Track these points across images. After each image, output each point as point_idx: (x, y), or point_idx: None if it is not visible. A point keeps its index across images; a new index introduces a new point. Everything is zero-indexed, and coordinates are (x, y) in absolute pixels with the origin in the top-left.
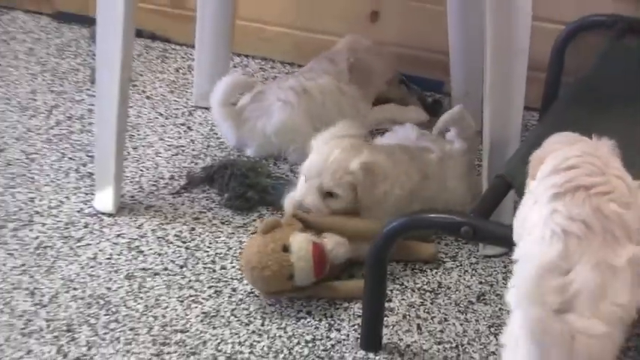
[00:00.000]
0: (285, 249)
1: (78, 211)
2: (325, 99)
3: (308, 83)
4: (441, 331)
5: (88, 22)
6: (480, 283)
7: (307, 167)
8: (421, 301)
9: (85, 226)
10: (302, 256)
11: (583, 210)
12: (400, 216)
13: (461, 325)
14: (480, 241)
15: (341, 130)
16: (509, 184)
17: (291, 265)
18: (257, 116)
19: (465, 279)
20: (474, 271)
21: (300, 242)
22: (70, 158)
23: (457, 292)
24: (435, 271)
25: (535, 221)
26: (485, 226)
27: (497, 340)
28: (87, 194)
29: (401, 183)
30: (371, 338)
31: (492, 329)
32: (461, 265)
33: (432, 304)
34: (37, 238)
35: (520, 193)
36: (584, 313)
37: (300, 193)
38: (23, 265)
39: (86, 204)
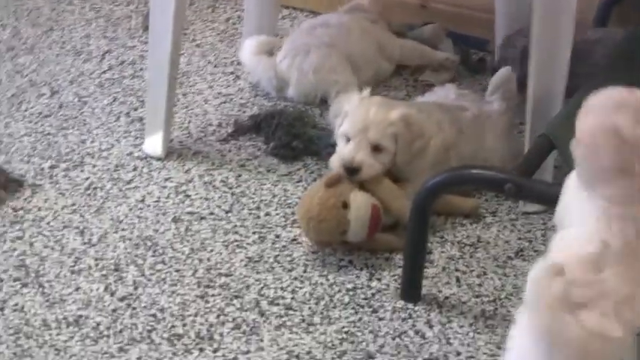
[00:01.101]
0: (345, 205)
1: (128, 154)
2: (355, 37)
3: (338, 23)
4: (479, 285)
5: None
6: (519, 239)
7: (349, 127)
8: (460, 254)
9: (134, 169)
10: (360, 216)
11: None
12: (444, 171)
13: (499, 279)
14: (523, 199)
15: (364, 93)
16: (552, 144)
17: (348, 222)
18: (294, 55)
19: (504, 234)
20: (513, 227)
21: (359, 202)
22: (121, 102)
23: (496, 247)
24: (475, 225)
25: (582, 211)
26: (529, 184)
27: None
28: (136, 138)
29: (435, 136)
30: (410, 289)
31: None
32: (500, 221)
33: (471, 257)
34: (87, 178)
35: (563, 154)
36: (608, 314)
37: (348, 152)
38: (74, 204)
39: (136, 147)
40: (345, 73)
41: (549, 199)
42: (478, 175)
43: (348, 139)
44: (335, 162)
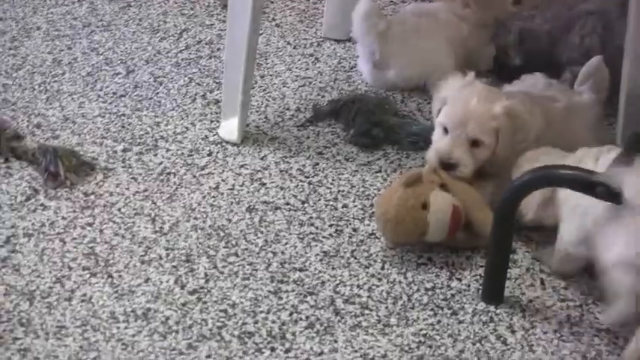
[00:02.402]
0: (424, 206)
1: (202, 139)
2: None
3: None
4: (565, 288)
5: None
6: None
7: (448, 118)
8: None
9: (209, 154)
10: (440, 218)
11: None
12: (532, 170)
13: (586, 284)
14: (616, 203)
15: (467, 77)
16: None
17: (427, 223)
18: (403, 38)
19: None
20: None
21: (440, 203)
22: (198, 84)
23: None
24: None
25: None
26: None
27: None
28: (212, 122)
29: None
30: (493, 290)
31: None
32: None
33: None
34: (160, 163)
35: None
36: None
37: (445, 145)
38: (146, 190)
39: (211, 131)
40: (451, 62)
41: None
42: (568, 176)
43: (446, 130)
44: (431, 155)
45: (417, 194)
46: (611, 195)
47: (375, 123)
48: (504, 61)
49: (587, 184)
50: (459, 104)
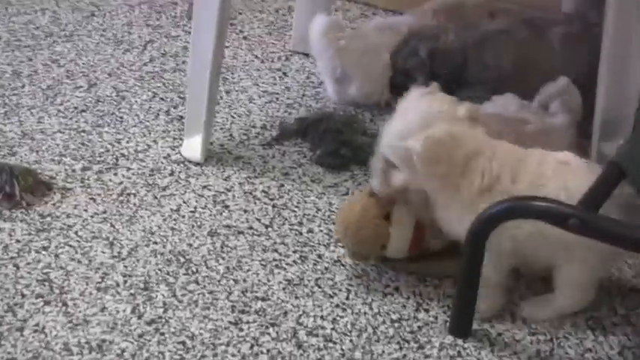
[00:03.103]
0: (387, 218)
1: (165, 157)
2: None
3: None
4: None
5: None
6: None
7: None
8: (515, 285)
9: (171, 174)
10: (401, 230)
11: None
12: (502, 201)
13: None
14: (589, 237)
15: (433, 89)
16: (623, 173)
17: (388, 235)
18: (363, 52)
19: None
20: None
21: (402, 215)
22: (161, 98)
23: None
24: None
25: None
26: (596, 220)
27: (595, 336)
28: (175, 139)
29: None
30: (461, 323)
31: (590, 322)
32: None
33: (526, 289)
34: (120, 183)
35: (636, 184)
36: None
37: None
38: (105, 212)
39: (174, 150)
40: None
41: (619, 239)
42: (539, 208)
43: None
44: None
45: (381, 204)
46: (585, 227)
47: (343, 142)
48: (404, 82)
49: (559, 216)
50: (393, 119)
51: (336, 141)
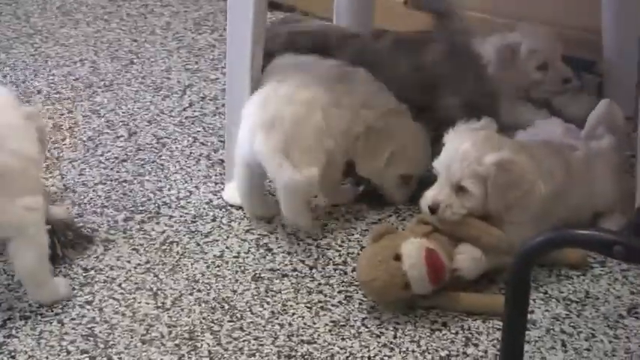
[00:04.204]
0: (398, 257)
1: (207, 203)
2: None
3: None
4: (588, 350)
5: None
6: (632, 293)
7: (438, 161)
8: (566, 313)
9: (213, 220)
10: (414, 263)
11: None
12: (543, 232)
13: (610, 342)
14: (635, 263)
15: (477, 123)
16: None
17: (404, 274)
18: None
19: (615, 288)
20: (624, 279)
21: (410, 249)
22: (202, 143)
23: (606, 304)
24: (582, 278)
25: None
26: None
27: None
28: (217, 184)
29: (542, 186)
30: (511, 356)
31: None
32: (610, 272)
33: (578, 316)
34: (163, 232)
35: None
36: None
37: (432, 189)
38: (148, 262)
39: (215, 195)
40: None
41: None
42: (582, 236)
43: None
44: (421, 201)
45: (384, 247)
46: (630, 254)
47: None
48: None
49: (603, 243)
50: (450, 147)
51: None
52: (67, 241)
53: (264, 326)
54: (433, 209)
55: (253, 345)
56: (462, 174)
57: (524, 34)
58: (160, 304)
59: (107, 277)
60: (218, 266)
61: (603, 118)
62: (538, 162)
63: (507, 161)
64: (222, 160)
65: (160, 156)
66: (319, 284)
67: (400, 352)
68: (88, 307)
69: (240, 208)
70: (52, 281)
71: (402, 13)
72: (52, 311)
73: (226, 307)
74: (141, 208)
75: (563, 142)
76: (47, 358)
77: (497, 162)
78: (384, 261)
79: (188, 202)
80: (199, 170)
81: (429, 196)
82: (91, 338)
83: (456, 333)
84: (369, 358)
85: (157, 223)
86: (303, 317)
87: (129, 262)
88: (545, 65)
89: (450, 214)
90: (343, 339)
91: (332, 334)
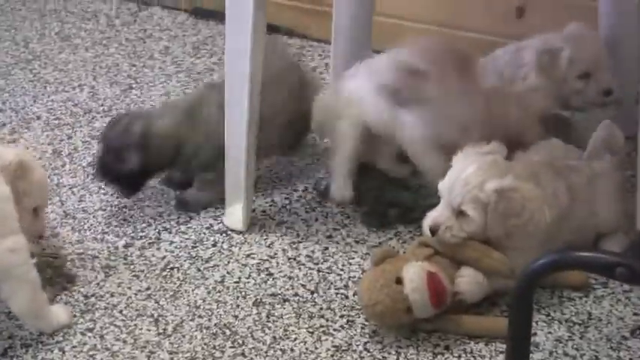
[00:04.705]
0: (399, 281)
1: (207, 228)
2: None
3: None
4: None
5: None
6: (635, 314)
7: (442, 184)
8: (569, 335)
9: (214, 245)
10: (415, 287)
11: None
12: (545, 254)
13: None
14: (638, 285)
15: (486, 147)
16: None
17: (406, 297)
18: None
19: (617, 309)
20: (627, 300)
21: (412, 273)
22: None
23: (609, 325)
24: (585, 299)
25: None
26: None
27: None
28: (217, 208)
29: (547, 214)
30: None
31: None
32: (613, 293)
33: (581, 338)
34: (164, 258)
35: None
36: None
37: (434, 211)
38: (148, 288)
39: (216, 219)
40: None
41: None
42: (584, 258)
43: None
44: (423, 223)
45: (387, 271)
46: (634, 276)
47: (389, 203)
48: (116, 168)
49: (606, 265)
50: (454, 170)
51: (380, 201)
52: (43, 281)
53: (265, 352)
54: (433, 231)
55: None
56: (463, 199)
57: (567, 39)
58: (161, 331)
59: (108, 303)
60: (219, 292)
61: (604, 140)
62: (544, 187)
63: (509, 189)
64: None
65: (160, 181)
66: (321, 309)
67: None
68: (89, 334)
69: (240, 233)
70: (50, 311)
71: (401, 34)
72: (53, 339)
73: (228, 332)
74: (141, 234)
75: (566, 164)
76: None
77: (499, 189)
78: (386, 285)
79: (188, 228)
80: None
81: (431, 217)
82: None
83: (459, 356)
84: None
85: (158, 249)
86: (305, 342)
87: (129, 288)
88: (586, 74)
89: (449, 237)
90: None
91: (334, 359)
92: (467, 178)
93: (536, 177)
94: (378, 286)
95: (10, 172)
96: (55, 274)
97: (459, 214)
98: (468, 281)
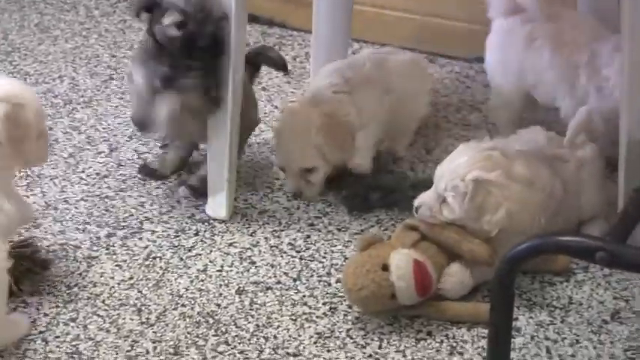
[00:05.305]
0: (386, 267)
1: (189, 217)
2: None
3: None
4: (573, 356)
5: None
6: (615, 298)
7: (437, 169)
8: (550, 319)
9: (196, 234)
10: (402, 275)
11: None
12: (528, 238)
13: (594, 348)
14: (618, 269)
15: (489, 142)
16: None
17: (392, 284)
18: None
19: (597, 293)
20: (607, 285)
21: (399, 260)
22: None
23: (589, 310)
24: (566, 284)
25: None
26: (625, 251)
27: None
28: (199, 199)
29: (541, 220)
30: None
31: (629, 353)
32: (593, 278)
33: (562, 322)
34: (146, 247)
35: None
36: None
37: (424, 193)
38: (131, 278)
39: (198, 209)
40: None
41: None
42: (565, 243)
43: None
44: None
45: (374, 256)
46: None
47: (370, 186)
48: None
49: (586, 250)
50: (449, 159)
51: (361, 184)
52: (20, 274)
53: (249, 339)
54: (417, 208)
55: (238, 358)
56: (446, 185)
57: None
58: (144, 320)
59: (91, 293)
60: (202, 280)
61: (583, 127)
62: (543, 189)
63: (488, 182)
64: (204, 175)
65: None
66: (303, 296)
67: None
68: (72, 324)
69: (222, 222)
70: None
71: (381, 23)
72: (36, 329)
73: (211, 321)
74: (123, 224)
75: (554, 154)
76: None
77: (475, 179)
78: (372, 270)
79: (170, 217)
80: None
81: (420, 196)
82: (76, 356)
83: (441, 342)
84: None
85: (140, 239)
86: (288, 330)
87: (112, 278)
88: None
89: (428, 216)
90: (329, 350)
91: (317, 346)
92: (456, 167)
93: (535, 179)
94: (364, 271)
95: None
96: (32, 264)
97: (443, 200)
98: (454, 281)
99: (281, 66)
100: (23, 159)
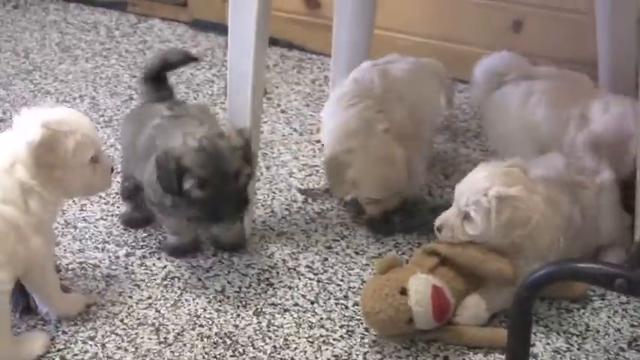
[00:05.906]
0: (404, 291)
1: (207, 238)
2: None
3: None
4: None
5: (225, 30)
6: (632, 326)
7: (457, 187)
8: (567, 346)
9: (214, 255)
10: (420, 300)
11: None
12: (546, 265)
13: None
14: (637, 296)
15: (509, 161)
16: None
17: (409, 309)
18: None
19: (614, 321)
20: (624, 312)
21: (417, 285)
22: None
23: (606, 337)
24: (582, 311)
25: None
26: None
27: None
28: None
29: (561, 240)
30: None
31: None
32: (610, 305)
33: (579, 350)
34: (164, 267)
35: None
36: None
37: (445, 213)
38: (149, 297)
39: None
40: None
41: None
42: (584, 270)
43: None
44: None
45: (391, 280)
46: (633, 287)
47: (392, 210)
48: None
49: (605, 277)
50: (469, 176)
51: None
52: None
53: None
54: (439, 228)
55: None
56: (468, 201)
57: None
58: (162, 340)
59: (109, 312)
60: (220, 301)
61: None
62: (562, 214)
63: (511, 197)
64: None
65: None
66: (321, 319)
67: None
68: (91, 342)
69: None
70: (12, 346)
71: (400, 47)
72: (55, 347)
73: (228, 342)
74: (142, 244)
75: (573, 180)
76: None
77: (499, 195)
78: (390, 294)
79: None
80: None
81: (441, 216)
82: None
83: None
84: None
85: (159, 259)
86: (305, 352)
87: (130, 297)
88: None
89: (449, 236)
90: None
91: None
92: (475, 182)
93: (556, 203)
94: (382, 295)
95: (34, 152)
96: None
97: (465, 216)
98: (469, 316)
99: (187, 59)
100: (61, 188)
